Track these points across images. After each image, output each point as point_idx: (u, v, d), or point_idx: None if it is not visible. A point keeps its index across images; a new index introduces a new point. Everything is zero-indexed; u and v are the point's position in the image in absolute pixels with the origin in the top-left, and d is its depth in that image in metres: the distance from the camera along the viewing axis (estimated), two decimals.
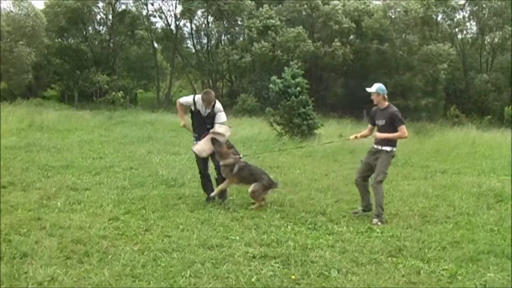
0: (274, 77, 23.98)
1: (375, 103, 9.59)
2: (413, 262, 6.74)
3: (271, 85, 23.83)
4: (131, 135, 21.66)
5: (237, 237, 7.65)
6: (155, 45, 56.03)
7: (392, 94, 47.78)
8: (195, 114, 10.12)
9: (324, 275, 6.28)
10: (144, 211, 9.07)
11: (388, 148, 9.22)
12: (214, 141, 9.83)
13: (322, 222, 8.73)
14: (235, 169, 9.85)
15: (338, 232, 8.16)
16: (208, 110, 9.94)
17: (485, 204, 10.44)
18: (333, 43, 48.24)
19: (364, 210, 9.58)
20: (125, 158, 15.55)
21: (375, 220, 9.01)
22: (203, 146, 9.89)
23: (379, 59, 50.23)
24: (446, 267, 6.63)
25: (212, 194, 9.97)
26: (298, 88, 23.00)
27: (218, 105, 10.03)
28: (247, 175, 9.95)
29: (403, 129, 9.13)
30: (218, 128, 9.86)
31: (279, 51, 46.74)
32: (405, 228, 8.49)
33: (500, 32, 48.68)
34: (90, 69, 49.04)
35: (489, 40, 50.88)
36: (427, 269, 6.55)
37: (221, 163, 9.91)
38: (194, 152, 10.13)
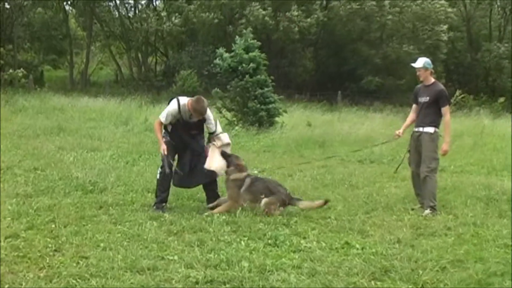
0: (221, 50, 23.92)
1: (421, 79, 10.92)
2: (403, 287, 6.78)
3: (217, 61, 23.79)
4: (35, 125, 21.33)
5: (176, 257, 7.58)
6: (67, 7, 55.17)
7: (378, 70, 47.85)
8: (177, 120, 10.55)
9: None
10: (53, 225, 8.90)
11: (430, 130, 10.52)
12: (226, 154, 10.59)
13: (285, 236, 8.72)
14: (245, 184, 10.46)
15: (305, 249, 8.17)
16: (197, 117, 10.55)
17: (496, 211, 10.60)
18: (288, 12, 46.44)
19: (423, 207, 10.56)
20: (27, 156, 15.29)
21: (426, 212, 10.30)
22: (219, 163, 10.52)
23: (360, 24, 49.82)
24: None
25: (210, 205, 10.47)
26: (253, 65, 23.00)
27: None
28: (262, 188, 10.43)
29: (447, 110, 10.51)
30: (224, 138, 10.77)
31: (219, 14, 45.90)
32: (392, 243, 8.55)
33: None
34: None
35: None
36: None
37: (231, 177, 10.52)
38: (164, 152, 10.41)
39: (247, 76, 22.86)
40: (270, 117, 23.51)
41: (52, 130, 20.37)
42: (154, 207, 10.26)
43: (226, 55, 23.50)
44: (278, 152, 17.38)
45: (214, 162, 10.42)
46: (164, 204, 10.40)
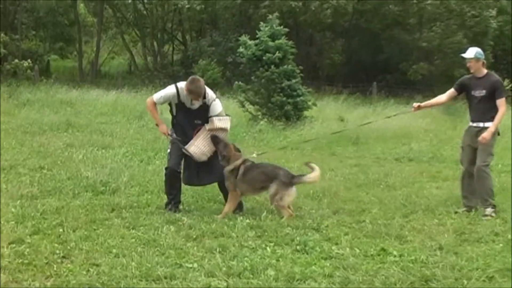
0: (244, 37, 23.89)
1: (472, 71, 10.95)
2: None
3: (241, 49, 23.76)
4: (41, 120, 21.44)
5: (195, 265, 7.57)
6: None
7: (417, 60, 47.52)
8: (178, 107, 10.67)
9: None
10: (60, 230, 8.94)
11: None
12: (216, 140, 10.44)
13: (315, 241, 8.69)
14: (239, 174, 10.35)
15: (338, 256, 8.12)
16: (198, 102, 10.55)
17: None
18: None
19: (468, 211, 10.59)
20: (33, 153, 15.38)
21: (488, 211, 10.43)
22: (201, 148, 10.45)
23: (395, 9, 49.43)
24: None
25: (219, 216, 10.08)
26: (279, 54, 22.93)
27: (209, 92, 10.58)
28: (258, 176, 10.42)
29: (503, 103, 10.62)
30: (218, 122, 10.59)
31: None
32: (433, 249, 8.47)
33: None
34: None
35: None
36: None
37: (226, 169, 10.39)
38: (184, 152, 10.48)
39: (272, 66, 22.79)
40: (298, 111, 23.42)
41: (59, 126, 20.46)
42: (167, 208, 10.39)
43: (250, 42, 23.44)
44: (307, 150, 17.32)
45: (192, 145, 10.42)
46: (176, 204, 10.46)
